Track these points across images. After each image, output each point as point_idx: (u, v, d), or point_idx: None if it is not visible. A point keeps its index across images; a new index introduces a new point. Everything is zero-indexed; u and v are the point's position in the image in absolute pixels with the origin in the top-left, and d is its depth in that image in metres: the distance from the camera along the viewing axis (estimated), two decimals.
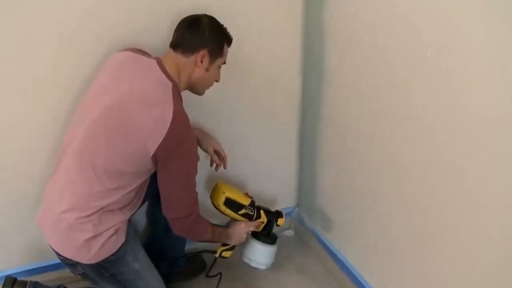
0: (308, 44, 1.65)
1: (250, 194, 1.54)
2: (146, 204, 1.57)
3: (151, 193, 1.36)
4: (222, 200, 1.45)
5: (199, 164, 1.60)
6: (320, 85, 1.63)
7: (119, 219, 1.24)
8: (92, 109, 1.18)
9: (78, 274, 1.28)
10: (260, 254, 1.56)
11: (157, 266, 1.38)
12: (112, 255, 1.23)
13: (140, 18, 1.38)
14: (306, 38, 1.65)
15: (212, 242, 1.47)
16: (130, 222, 1.32)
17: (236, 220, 1.51)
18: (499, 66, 0.90)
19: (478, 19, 0.93)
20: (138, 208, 1.36)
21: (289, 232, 1.99)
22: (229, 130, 1.69)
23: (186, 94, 1.32)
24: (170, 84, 1.20)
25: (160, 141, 1.12)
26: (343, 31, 1.44)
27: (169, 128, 1.11)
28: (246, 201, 1.49)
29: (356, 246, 1.61)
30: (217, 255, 1.55)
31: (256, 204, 1.55)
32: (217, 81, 1.37)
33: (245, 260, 1.58)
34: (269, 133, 1.79)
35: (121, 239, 1.25)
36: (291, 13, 1.61)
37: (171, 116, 1.12)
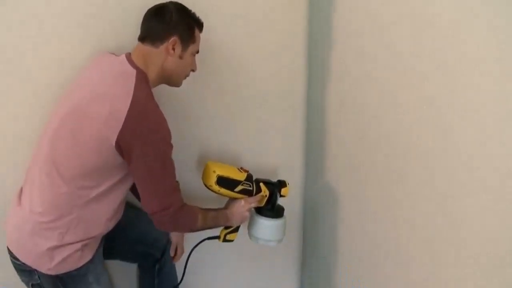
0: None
1: (245, 168, 1.38)
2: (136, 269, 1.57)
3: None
4: (213, 179, 1.29)
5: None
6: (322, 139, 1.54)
7: (91, 233, 1.18)
8: (55, 118, 1.16)
9: (32, 285, 1.18)
10: (267, 231, 1.41)
11: None
12: (74, 270, 1.16)
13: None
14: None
15: (210, 228, 1.32)
16: (101, 243, 1.26)
17: (234, 199, 1.36)
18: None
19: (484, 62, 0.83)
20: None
21: None
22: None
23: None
24: (134, 71, 1.14)
25: (119, 129, 1.06)
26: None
27: (127, 113, 1.06)
28: (241, 176, 1.34)
29: None
30: (220, 240, 1.41)
31: (255, 177, 1.39)
32: (193, 70, 1.30)
33: (252, 240, 1.44)
34: None
35: (87, 256, 1.19)
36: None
37: (130, 101, 1.07)
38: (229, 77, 1.53)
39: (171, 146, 1.16)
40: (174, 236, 1.50)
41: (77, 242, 1.14)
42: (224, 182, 1.30)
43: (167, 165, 1.15)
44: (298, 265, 1.79)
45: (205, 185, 1.34)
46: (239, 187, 1.33)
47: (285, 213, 1.45)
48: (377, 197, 1.24)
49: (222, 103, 1.55)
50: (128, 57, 1.19)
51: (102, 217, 1.19)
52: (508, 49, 0.76)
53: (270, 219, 1.41)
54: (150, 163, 1.12)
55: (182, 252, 1.52)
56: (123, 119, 1.06)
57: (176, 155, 1.17)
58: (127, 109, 1.06)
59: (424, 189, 1.02)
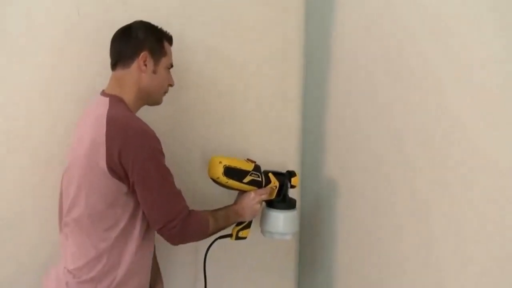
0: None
1: (252, 159, 1.32)
2: None
3: None
4: (220, 170, 1.23)
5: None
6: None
7: (127, 277, 1.13)
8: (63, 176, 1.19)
9: None
10: (281, 224, 1.33)
11: None
12: None
13: None
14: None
15: (224, 229, 1.26)
16: None
17: (243, 192, 1.30)
18: None
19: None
20: None
21: None
22: None
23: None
24: (107, 99, 1.14)
25: (105, 150, 1.05)
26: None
27: (106, 132, 1.05)
28: (249, 167, 1.28)
29: None
30: (233, 238, 1.33)
31: (263, 169, 1.33)
32: (171, 85, 1.26)
33: (266, 235, 1.36)
34: None
35: None
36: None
37: (105, 121, 1.06)
38: (225, 81, 1.50)
39: (163, 154, 1.12)
40: None
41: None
42: (231, 172, 1.24)
43: (163, 174, 1.12)
44: (295, 266, 1.70)
45: (212, 179, 1.27)
46: (248, 178, 1.27)
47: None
48: (375, 199, 1.18)
49: (217, 106, 1.51)
50: (102, 92, 1.19)
51: (130, 255, 1.14)
52: None
53: (284, 210, 1.33)
54: (146, 177, 1.09)
55: None
56: (104, 139, 1.05)
57: (171, 157, 1.15)
58: (104, 129, 1.05)
59: (424, 191, 0.96)
